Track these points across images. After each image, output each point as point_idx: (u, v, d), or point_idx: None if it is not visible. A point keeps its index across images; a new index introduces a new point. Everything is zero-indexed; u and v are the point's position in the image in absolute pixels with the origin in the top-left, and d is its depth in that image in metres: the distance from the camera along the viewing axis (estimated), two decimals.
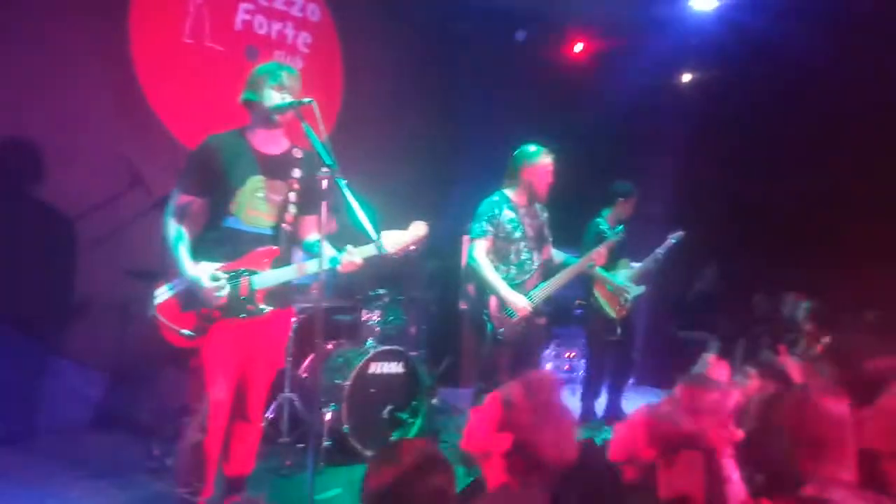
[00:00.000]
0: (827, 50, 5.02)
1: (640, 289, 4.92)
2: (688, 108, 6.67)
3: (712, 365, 2.62)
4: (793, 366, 3.06)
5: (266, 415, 3.83)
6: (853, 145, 5.42)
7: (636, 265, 4.93)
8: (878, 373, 2.52)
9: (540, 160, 3.70)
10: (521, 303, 3.58)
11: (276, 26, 4.98)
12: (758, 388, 2.55)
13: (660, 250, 4.87)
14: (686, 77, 6.77)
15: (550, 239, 3.94)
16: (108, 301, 3.86)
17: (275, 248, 2.61)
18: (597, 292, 4.85)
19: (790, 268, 5.62)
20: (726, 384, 2.18)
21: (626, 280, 4.85)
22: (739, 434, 2.08)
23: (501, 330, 3.59)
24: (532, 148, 3.73)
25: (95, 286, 3.94)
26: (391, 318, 4.49)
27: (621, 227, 4.85)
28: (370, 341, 4.15)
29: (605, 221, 4.94)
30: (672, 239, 4.87)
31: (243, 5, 4.77)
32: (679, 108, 6.71)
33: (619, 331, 4.87)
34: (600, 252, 4.07)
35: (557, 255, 4.08)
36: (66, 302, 3.93)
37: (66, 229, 3.94)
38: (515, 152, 3.76)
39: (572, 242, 4.60)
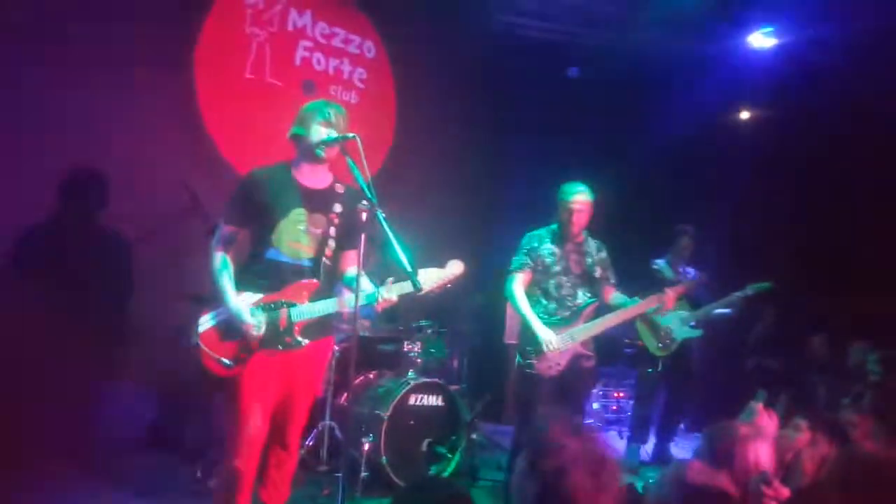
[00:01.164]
0: (890, 85, 4.83)
1: (694, 332, 4.74)
2: (746, 147, 6.50)
3: (759, 415, 2.49)
4: (853, 421, 2.88)
5: (306, 442, 3.89)
6: None
7: (702, 309, 4.77)
8: None
9: (574, 198, 3.65)
10: (548, 338, 3.48)
11: (334, 62, 5.17)
12: (808, 442, 2.41)
13: (735, 297, 4.68)
14: (745, 115, 6.62)
15: (612, 280, 3.81)
16: (165, 324, 4.00)
17: (314, 280, 2.68)
18: (640, 327, 4.74)
19: (853, 313, 5.32)
20: (760, 436, 2.05)
21: (682, 321, 4.70)
22: (785, 493, 1.96)
23: (530, 362, 3.53)
24: (569, 185, 3.72)
25: (153, 309, 4.10)
26: (433, 350, 4.50)
27: (693, 271, 4.75)
28: (411, 373, 4.16)
29: (667, 264, 4.84)
30: (749, 289, 4.67)
31: (303, 42, 4.98)
32: (737, 146, 6.54)
33: (660, 367, 4.72)
34: (668, 297, 3.71)
35: (616, 297, 3.81)
36: (124, 324, 4.11)
37: (127, 255, 4.15)
38: (558, 190, 3.76)
39: (625, 284, 4.53)
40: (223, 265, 2.64)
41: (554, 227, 3.76)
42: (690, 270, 4.90)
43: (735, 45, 5.75)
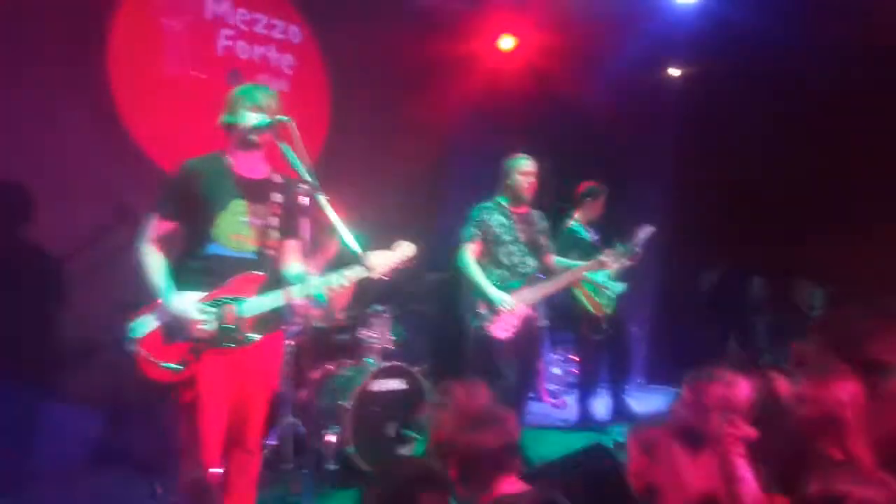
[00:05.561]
0: (804, 37, 5.02)
1: (621, 286, 4.86)
2: (675, 103, 6.63)
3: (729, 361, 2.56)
4: (802, 355, 2.97)
5: (269, 441, 3.79)
6: (840, 128, 5.38)
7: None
8: (880, 354, 2.44)
9: (521, 167, 3.94)
10: (506, 298, 3.71)
11: (259, 50, 4.95)
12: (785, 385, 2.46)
13: (634, 246, 4.78)
14: (672, 71, 6.72)
15: (552, 248, 4.12)
16: (103, 335, 3.79)
17: (260, 273, 2.56)
18: (577, 292, 4.81)
19: (791, 255, 5.55)
20: (735, 379, 2.10)
21: (606, 278, 4.79)
22: (752, 432, 2.00)
23: (484, 324, 3.71)
24: (517, 157, 3.99)
25: (88, 321, 3.87)
26: (392, 334, 4.43)
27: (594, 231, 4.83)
28: (371, 359, 4.09)
29: (578, 224, 4.92)
30: (641, 235, 4.78)
31: (224, 31, 4.74)
32: (666, 102, 6.67)
33: (604, 329, 4.82)
34: (607, 260, 4.08)
35: (559, 261, 4.16)
36: (59, 339, 3.86)
37: (56, 266, 3.89)
38: (505, 162, 4.01)
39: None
40: (159, 264, 2.50)
41: (501, 199, 3.98)
42: (593, 230, 4.99)
43: (660, 1, 5.81)
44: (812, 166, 5.45)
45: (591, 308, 4.82)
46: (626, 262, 4.79)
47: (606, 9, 5.56)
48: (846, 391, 1.98)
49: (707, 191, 6.15)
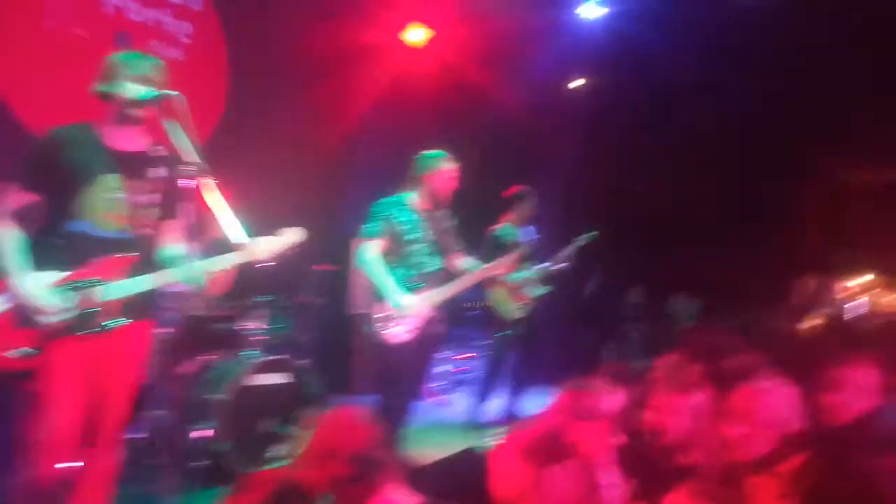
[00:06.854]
0: (699, 58, 5.31)
1: (542, 289, 4.94)
2: (569, 113, 6.83)
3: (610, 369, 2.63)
4: (668, 365, 3.14)
5: (135, 435, 3.54)
6: (732, 147, 5.75)
7: (541, 266, 4.95)
8: (737, 369, 2.62)
9: (442, 166, 3.69)
10: (407, 303, 3.50)
11: (153, 14, 4.61)
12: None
13: (568, 251, 4.90)
14: (575, 83, 6.94)
15: (458, 248, 3.92)
16: None
17: (131, 255, 2.37)
18: (494, 293, 4.84)
19: (670, 266, 5.87)
20: (607, 388, 2.17)
21: (529, 279, 4.86)
22: (619, 441, 2.08)
23: (382, 328, 3.50)
24: (434, 154, 3.73)
25: None
26: (277, 326, 4.27)
27: (533, 230, 4.88)
28: (251, 352, 3.92)
29: (510, 226, 4.97)
30: (580, 241, 4.91)
31: None
32: (568, 113, 6.87)
33: (518, 330, 4.89)
34: (508, 261, 4.02)
35: (465, 262, 3.98)
36: None
37: None
38: (418, 158, 3.73)
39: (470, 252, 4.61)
40: (14, 239, 2.25)
41: (409, 195, 3.72)
42: (531, 230, 5.09)
43: (567, 16, 5.97)
44: (701, 182, 5.79)
45: (506, 309, 4.82)
46: (559, 267, 4.88)
47: (517, 19, 5.64)
48: (695, 402, 2.10)
49: (593, 198, 6.40)
